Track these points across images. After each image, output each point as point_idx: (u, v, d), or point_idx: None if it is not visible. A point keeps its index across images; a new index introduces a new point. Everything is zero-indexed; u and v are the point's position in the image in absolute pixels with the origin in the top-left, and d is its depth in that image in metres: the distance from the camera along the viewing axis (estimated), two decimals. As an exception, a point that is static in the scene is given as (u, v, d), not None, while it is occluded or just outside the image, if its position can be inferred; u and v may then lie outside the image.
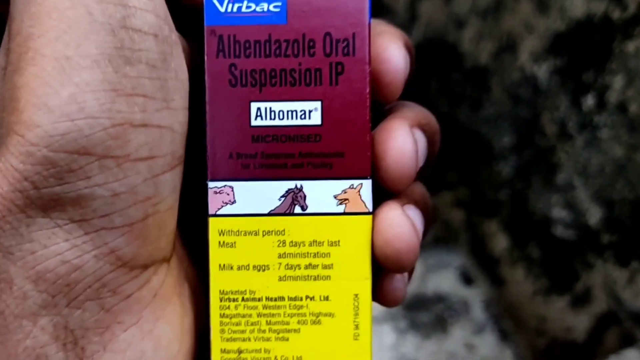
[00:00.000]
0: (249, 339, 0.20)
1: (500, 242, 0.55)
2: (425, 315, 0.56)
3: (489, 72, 0.52)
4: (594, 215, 0.45)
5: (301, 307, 0.20)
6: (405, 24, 0.60)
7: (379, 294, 0.22)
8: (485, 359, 0.53)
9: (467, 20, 0.54)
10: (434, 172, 0.61)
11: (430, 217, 0.23)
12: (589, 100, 0.44)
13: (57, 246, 0.17)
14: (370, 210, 0.20)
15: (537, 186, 0.50)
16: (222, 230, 0.20)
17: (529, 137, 0.50)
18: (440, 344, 0.54)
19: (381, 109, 0.22)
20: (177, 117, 0.19)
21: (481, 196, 0.57)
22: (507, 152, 0.53)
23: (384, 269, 0.21)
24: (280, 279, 0.20)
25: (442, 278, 0.59)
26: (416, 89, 0.60)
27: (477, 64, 0.54)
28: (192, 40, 0.21)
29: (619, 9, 0.41)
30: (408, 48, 0.22)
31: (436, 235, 0.62)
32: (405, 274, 0.22)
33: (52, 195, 0.17)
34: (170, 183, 0.19)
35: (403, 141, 0.20)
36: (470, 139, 0.56)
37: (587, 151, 0.45)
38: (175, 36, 0.19)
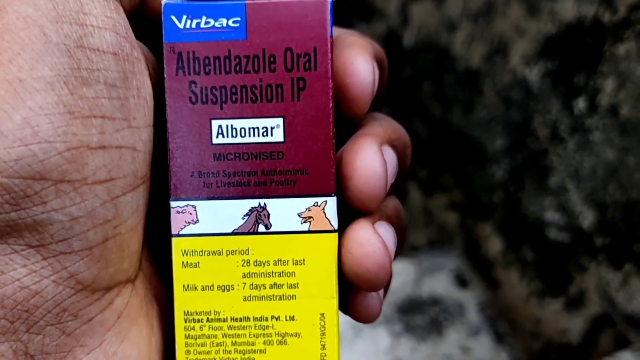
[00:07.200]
0: None
1: (494, 245, 0.55)
2: (420, 318, 0.56)
3: (481, 75, 0.52)
4: (587, 218, 0.45)
5: (267, 327, 0.20)
6: (397, 28, 0.59)
7: (352, 311, 0.21)
8: (481, 362, 0.53)
9: (458, 24, 0.53)
10: (429, 175, 0.61)
11: (404, 231, 0.23)
12: (581, 103, 0.44)
13: (14, 272, 0.17)
14: (335, 228, 0.20)
15: (530, 189, 0.50)
16: (185, 251, 0.20)
17: (521, 140, 0.50)
18: (435, 347, 0.54)
19: (351, 122, 0.22)
20: (140, 135, 0.19)
21: (475, 199, 0.57)
22: (499, 155, 0.52)
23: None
24: (245, 299, 0.20)
25: (437, 281, 0.59)
26: (409, 92, 0.60)
27: (469, 67, 0.53)
28: (160, 53, 0.21)
29: (609, 11, 0.41)
30: (379, 61, 0.22)
31: (430, 238, 0.62)
32: (380, 290, 0.22)
33: (8, 221, 0.17)
34: (132, 204, 0.19)
35: (371, 161, 0.20)
36: (463, 142, 0.56)
37: (579, 154, 0.45)
38: (137, 52, 0.19)
